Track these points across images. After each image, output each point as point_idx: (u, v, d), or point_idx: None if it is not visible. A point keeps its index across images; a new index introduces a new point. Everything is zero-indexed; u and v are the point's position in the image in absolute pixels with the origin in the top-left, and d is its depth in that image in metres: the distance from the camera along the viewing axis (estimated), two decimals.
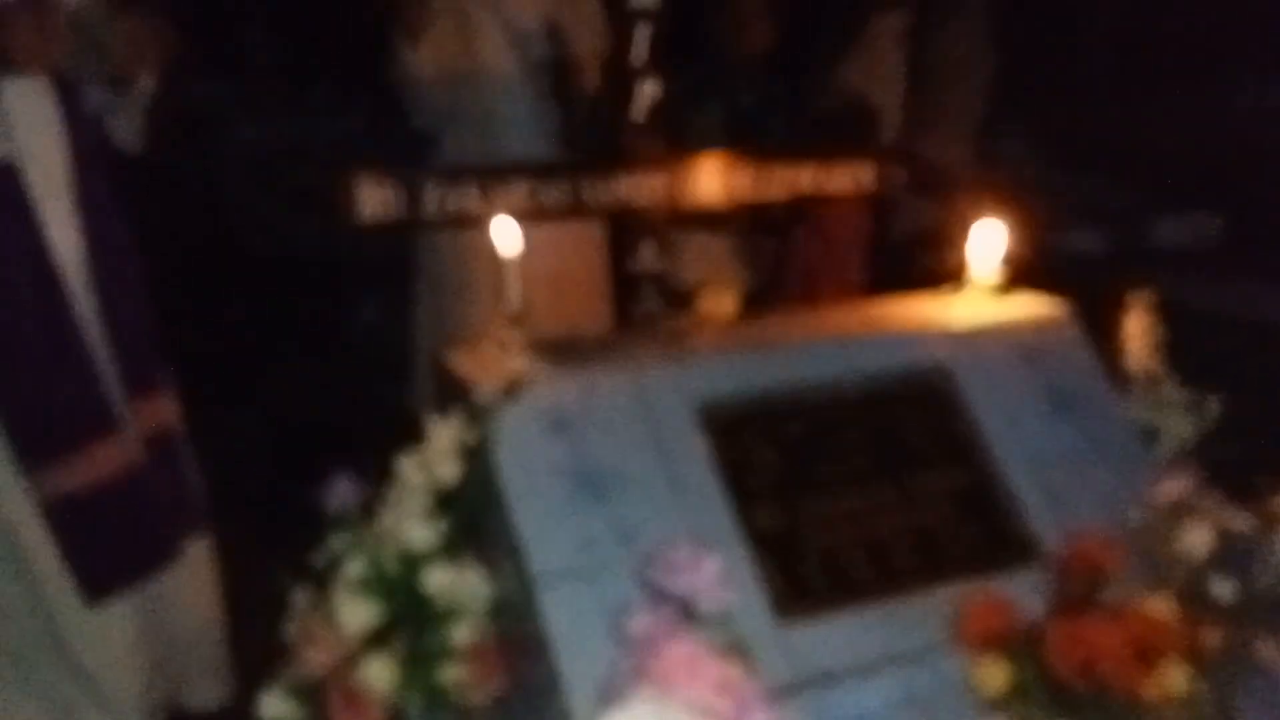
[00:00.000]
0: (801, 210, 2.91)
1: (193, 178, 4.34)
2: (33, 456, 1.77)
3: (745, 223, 2.89)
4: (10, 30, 1.65)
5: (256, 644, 1.73)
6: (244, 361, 3.53)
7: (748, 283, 2.84)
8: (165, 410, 2.03)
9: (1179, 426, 1.98)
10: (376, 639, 1.52)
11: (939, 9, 2.97)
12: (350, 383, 3.45)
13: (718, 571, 1.27)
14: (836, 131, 2.91)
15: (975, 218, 2.11)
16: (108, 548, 1.86)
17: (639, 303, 2.20)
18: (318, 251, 4.16)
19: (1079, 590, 1.46)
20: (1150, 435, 1.99)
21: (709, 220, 2.85)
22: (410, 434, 1.62)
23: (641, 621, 1.27)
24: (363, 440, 1.64)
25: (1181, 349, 2.06)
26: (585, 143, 2.57)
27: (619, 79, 2.08)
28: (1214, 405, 1.94)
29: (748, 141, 3.01)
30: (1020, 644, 1.46)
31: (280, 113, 4.94)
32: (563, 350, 1.81)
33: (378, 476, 1.62)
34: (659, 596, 1.27)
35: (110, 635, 1.89)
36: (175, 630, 2.04)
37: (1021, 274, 2.21)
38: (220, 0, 4.44)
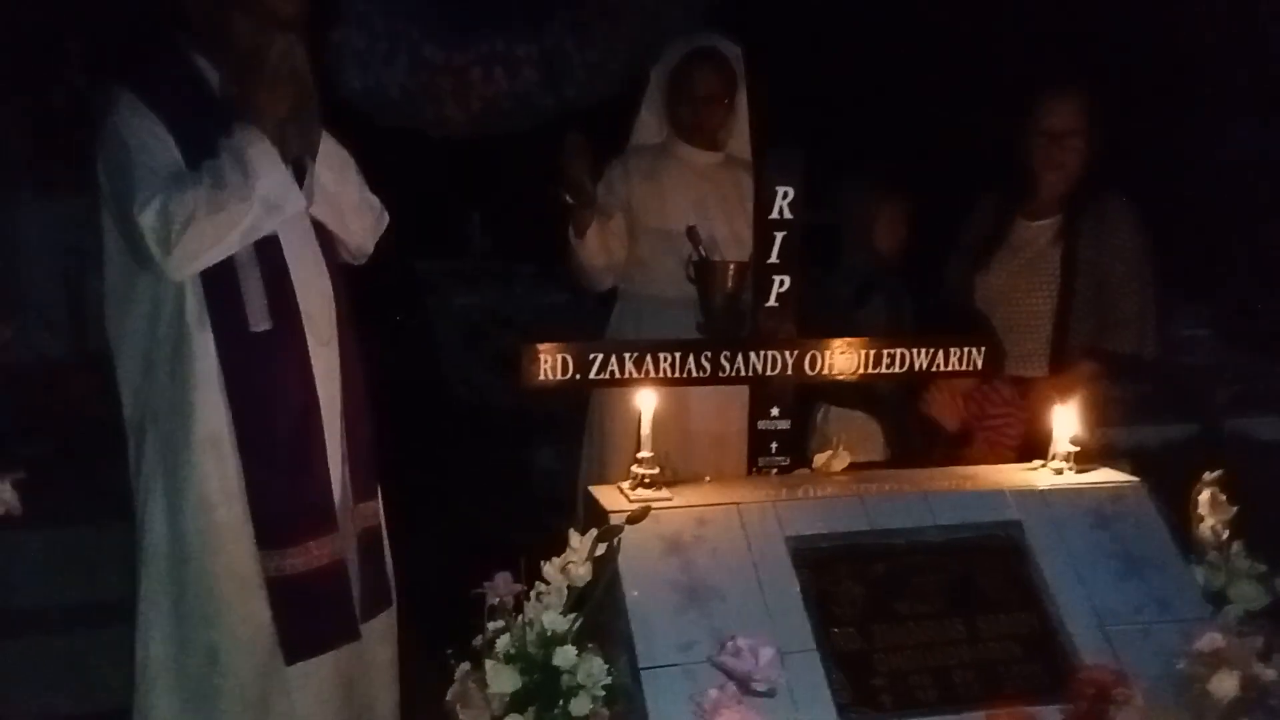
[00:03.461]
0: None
1: (416, 337, 5.14)
2: (265, 542, 2.28)
3: (859, 395, 3.23)
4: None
5: (429, 709, 2.13)
6: (443, 489, 4.12)
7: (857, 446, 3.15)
8: (374, 513, 2.54)
9: (1247, 594, 2.17)
10: (516, 704, 1.91)
11: (1091, 220, 3.09)
12: (525, 513, 3.98)
13: (772, 658, 1.61)
14: (957, 323, 3.19)
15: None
16: (307, 621, 2.32)
17: (766, 455, 2.60)
18: (511, 406, 4.80)
19: (1087, 712, 1.69)
20: (1220, 599, 2.18)
21: (832, 392, 3.23)
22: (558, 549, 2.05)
23: (711, 694, 1.61)
24: (524, 553, 2.07)
25: None
26: (717, 330, 2.96)
27: (759, 273, 2.54)
28: None
29: (890, 327, 3.39)
30: None
31: (491, 285, 5.73)
32: (684, 488, 2.22)
33: (529, 579, 2.05)
34: (724, 674, 1.61)
35: (320, 681, 2.36)
36: (361, 689, 2.49)
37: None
38: (446, 193, 5.33)
